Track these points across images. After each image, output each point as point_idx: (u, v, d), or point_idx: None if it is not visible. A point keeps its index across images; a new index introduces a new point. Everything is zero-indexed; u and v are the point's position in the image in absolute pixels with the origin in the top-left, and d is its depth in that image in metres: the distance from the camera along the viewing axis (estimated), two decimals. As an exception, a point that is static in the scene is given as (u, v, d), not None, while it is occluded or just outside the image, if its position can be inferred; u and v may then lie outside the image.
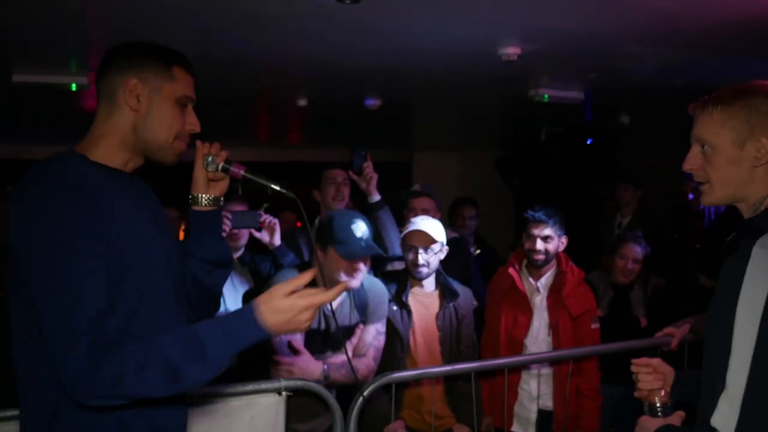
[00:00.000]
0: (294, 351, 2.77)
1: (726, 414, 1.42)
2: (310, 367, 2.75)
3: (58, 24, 3.20)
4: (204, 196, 1.82)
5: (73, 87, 4.16)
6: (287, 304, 1.48)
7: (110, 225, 1.50)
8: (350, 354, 2.81)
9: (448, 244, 3.26)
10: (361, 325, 2.92)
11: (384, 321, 2.98)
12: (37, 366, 1.50)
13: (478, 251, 5.52)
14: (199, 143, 1.79)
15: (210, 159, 1.78)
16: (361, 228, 2.79)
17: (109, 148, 1.62)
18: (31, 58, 3.86)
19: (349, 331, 2.90)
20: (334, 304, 2.85)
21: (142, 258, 1.57)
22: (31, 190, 1.48)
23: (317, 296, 1.51)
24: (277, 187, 1.78)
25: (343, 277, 2.76)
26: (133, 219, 1.59)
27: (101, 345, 1.40)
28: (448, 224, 5.73)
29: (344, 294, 2.88)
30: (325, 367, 2.77)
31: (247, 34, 3.43)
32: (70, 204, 1.46)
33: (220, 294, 1.95)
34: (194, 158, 1.80)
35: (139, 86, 1.60)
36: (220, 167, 1.78)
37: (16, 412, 2.11)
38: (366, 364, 2.87)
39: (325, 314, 2.83)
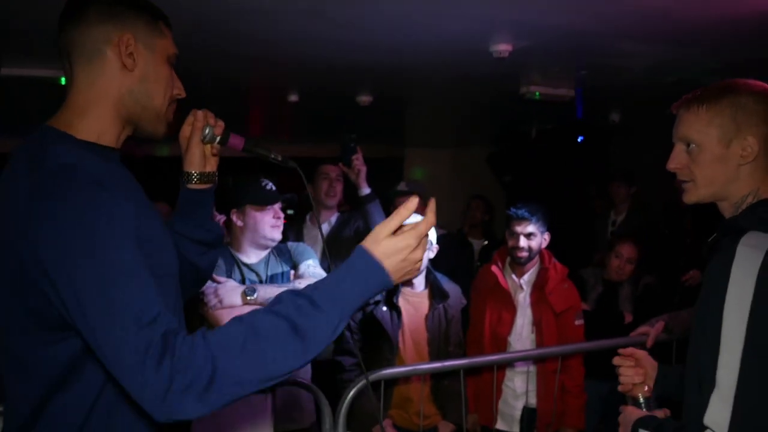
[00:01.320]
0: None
1: (718, 412, 1.42)
2: (235, 290, 2.78)
3: (47, 16, 3.17)
4: (200, 172, 1.66)
5: (63, 81, 4.12)
6: (398, 242, 1.29)
7: (134, 217, 1.31)
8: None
9: (437, 240, 3.25)
10: (292, 271, 2.99)
11: (316, 258, 3.05)
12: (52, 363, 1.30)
13: (486, 242, 5.74)
14: (198, 113, 1.62)
15: (207, 131, 1.61)
16: (269, 184, 2.94)
17: (101, 120, 1.39)
18: (19, 51, 3.83)
19: (282, 277, 2.98)
20: (255, 260, 2.96)
21: (160, 248, 1.43)
22: (40, 186, 1.24)
23: (420, 225, 1.32)
24: (278, 158, 1.69)
25: (270, 231, 2.89)
26: (143, 208, 1.42)
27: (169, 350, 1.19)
28: (460, 219, 5.91)
29: (264, 253, 2.98)
30: (248, 287, 2.79)
31: (238, 29, 3.41)
32: (91, 195, 1.24)
33: (210, 274, 1.89)
34: (183, 133, 1.64)
35: (133, 42, 1.38)
36: (218, 139, 1.63)
37: None
38: None
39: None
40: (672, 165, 1.67)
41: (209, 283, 2.79)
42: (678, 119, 1.66)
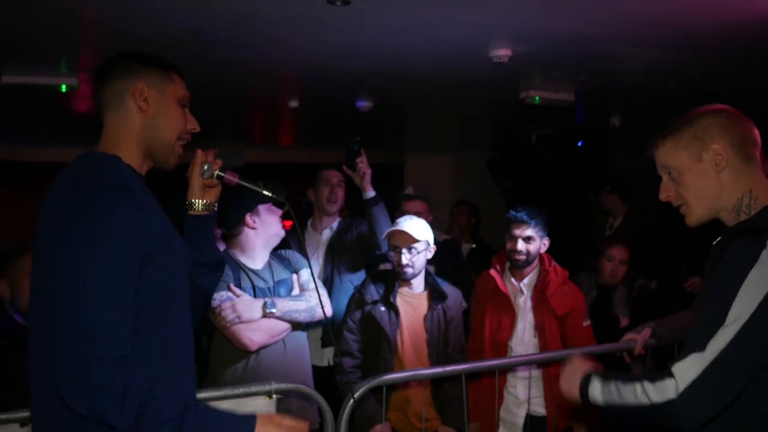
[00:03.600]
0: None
1: (689, 368, 1.54)
2: (252, 304, 2.83)
3: (49, 25, 3.18)
4: (200, 201, 1.94)
5: (63, 88, 4.14)
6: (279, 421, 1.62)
7: (147, 218, 1.60)
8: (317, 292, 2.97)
9: (440, 245, 3.26)
10: (294, 275, 3.06)
11: (307, 267, 3.13)
12: None
13: (473, 245, 5.74)
14: (199, 152, 1.92)
15: (206, 167, 1.91)
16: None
17: (130, 151, 1.73)
18: (20, 59, 3.84)
19: (286, 283, 3.04)
20: (260, 266, 3.04)
21: (171, 253, 1.68)
22: (81, 185, 1.56)
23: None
24: (268, 194, 1.96)
25: (280, 229, 3.02)
26: (158, 218, 1.69)
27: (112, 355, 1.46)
28: (447, 225, 5.90)
29: (267, 257, 3.06)
30: (268, 301, 2.84)
31: (238, 36, 3.42)
32: (116, 198, 1.54)
33: (212, 295, 2.08)
34: (191, 166, 1.94)
35: (146, 89, 1.72)
36: (215, 175, 1.91)
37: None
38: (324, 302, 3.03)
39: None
40: (663, 195, 1.81)
41: (224, 295, 2.82)
42: (655, 157, 1.82)
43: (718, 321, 1.54)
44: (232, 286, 2.85)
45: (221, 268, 2.04)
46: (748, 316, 1.52)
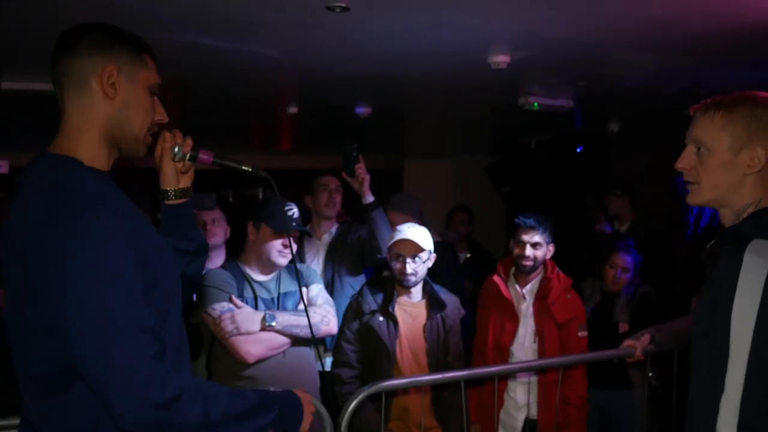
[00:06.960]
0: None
1: (728, 418, 1.47)
2: (252, 316, 2.82)
3: (48, 31, 3.18)
4: (176, 189, 1.77)
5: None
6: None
7: (140, 237, 1.47)
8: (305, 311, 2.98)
9: (434, 247, 3.25)
10: (303, 288, 3.06)
11: (321, 283, 3.17)
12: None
13: (468, 255, 5.62)
14: (166, 134, 1.73)
15: (177, 149, 1.73)
16: (293, 210, 3.02)
17: (94, 145, 1.52)
18: (20, 65, 3.84)
19: (293, 295, 3.03)
20: (266, 277, 3.02)
21: (163, 264, 1.55)
22: (56, 205, 1.37)
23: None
24: (248, 168, 1.79)
25: (276, 256, 2.95)
26: (146, 225, 1.56)
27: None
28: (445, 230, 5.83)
29: (275, 270, 3.05)
30: (268, 314, 2.83)
31: (237, 42, 3.42)
32: (108, 221, 1.39)
33: (199, 281, 2.03)
34: (156, 153, 1.76)
35: (115, 73, 1.51)
36: (188, 156, 1.74)
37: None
38: (327, 316, 3.01)
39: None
40: (680, 164, 1.70)
41: (224, 306, 2.80)
42: (693, 121, 1.70)
43: (723, 354, 1.48)
44: (233, 297, 2.84)
45: (206, 252, 1.89)
46: (750, 341, 1.46)
